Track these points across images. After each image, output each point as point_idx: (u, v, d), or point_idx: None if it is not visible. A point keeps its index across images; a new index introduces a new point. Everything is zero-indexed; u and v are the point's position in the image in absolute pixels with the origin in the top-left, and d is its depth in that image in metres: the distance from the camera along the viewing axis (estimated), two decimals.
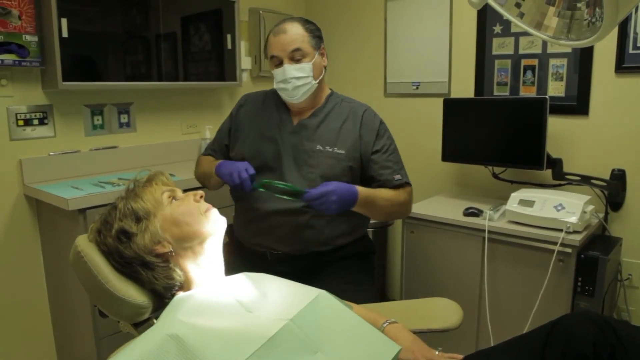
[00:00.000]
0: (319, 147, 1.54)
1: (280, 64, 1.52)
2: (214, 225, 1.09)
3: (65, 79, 1.99)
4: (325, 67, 1.61)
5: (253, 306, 1.00)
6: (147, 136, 2.50)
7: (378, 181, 1.57)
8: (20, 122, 2.05)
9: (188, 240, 1.06)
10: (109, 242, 1.04)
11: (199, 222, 1.07)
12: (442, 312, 1.28)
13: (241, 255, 1.67)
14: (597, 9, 0.82)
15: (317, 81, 1.55)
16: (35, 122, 2.10)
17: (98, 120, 2.31)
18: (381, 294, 2.87)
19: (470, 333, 2.13)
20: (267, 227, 1.56)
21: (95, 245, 1.07)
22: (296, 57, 1.50)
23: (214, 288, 1.04)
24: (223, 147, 1.72)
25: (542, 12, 0.96)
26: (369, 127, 1.59)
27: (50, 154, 2.15)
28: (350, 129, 1.58)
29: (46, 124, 2.13)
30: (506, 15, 0.98)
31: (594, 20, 0.85)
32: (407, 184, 1.60)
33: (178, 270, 1.05)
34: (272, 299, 1.04)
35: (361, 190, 1.47)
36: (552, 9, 0.94)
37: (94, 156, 2.29)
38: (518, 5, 1.01)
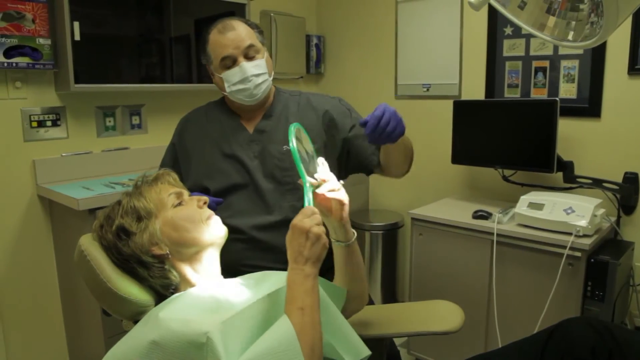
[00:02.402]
0: (285, 147, 1.40)
1: (232, 64, 1.39)
2: (214, 235, 1.08)
3: (77, 81, 2.03)
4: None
5: (240, 304, 0.99)
6: (158, 138, 2.53)
7: (365, 158, 1.45)
8: (34, 124, 2.10)
9: (185, 246, 1.05)
10: (109, 238, 1.05)
11: (199, 229, 1.06)
12: (444, 314, 1.28)
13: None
14: (600, 9, 0.81)
15: (272, 77, 1.44)
16: (49, 123, 2.14)
17: (110, 121, 2.35)
18: (390, 296, 2.86)
19: (479, 336, 2.11)
20: (257, 246, 1.37)
21: (97, 238, 1.09)
22: (250, 54, 1.39)
23: (209, 289, 1.05)
24: None
25: (544, 14, 0.96)
26: (339, 110, 1.49)
27: (63, 154, 2.19)
28: (313, 120, 1.46)
29: (59, 125, 2.17)
30: (509, 16, 0.98)
31: (596, 21, 0.84)
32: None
33: (174, 272, 1.05)
34: (261, 290, 1.03)
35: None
36: (555, 10, 0.94)
37: (105, 157, 2.32)
38: (521, 6, 1.01)
